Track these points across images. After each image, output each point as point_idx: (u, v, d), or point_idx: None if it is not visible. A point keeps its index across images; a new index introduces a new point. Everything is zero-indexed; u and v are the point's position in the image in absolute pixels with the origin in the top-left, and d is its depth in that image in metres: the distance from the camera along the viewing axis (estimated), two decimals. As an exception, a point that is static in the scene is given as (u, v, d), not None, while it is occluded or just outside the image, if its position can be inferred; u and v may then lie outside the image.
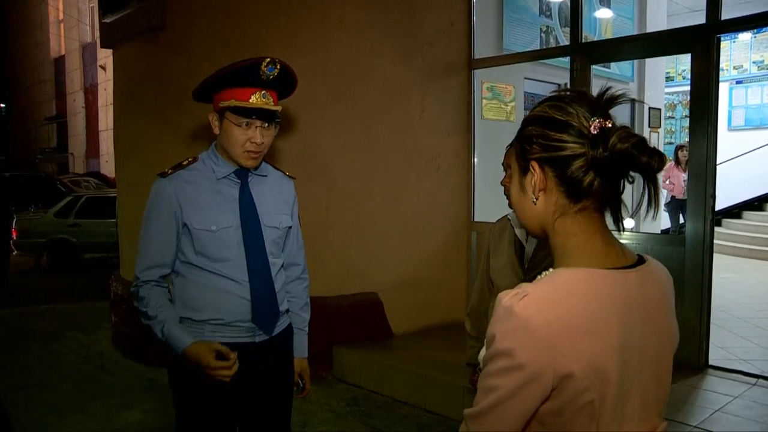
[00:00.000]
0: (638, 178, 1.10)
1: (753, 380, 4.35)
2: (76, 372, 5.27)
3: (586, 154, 1.07)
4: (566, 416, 1.06)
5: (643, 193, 1.08)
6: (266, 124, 2.13)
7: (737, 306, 6.69)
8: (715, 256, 4.62)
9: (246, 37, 4.81)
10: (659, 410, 1.18)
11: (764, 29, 11.72)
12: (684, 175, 8.82)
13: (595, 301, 1.06)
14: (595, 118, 1.07)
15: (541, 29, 7.14)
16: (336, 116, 5.02)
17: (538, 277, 1.11)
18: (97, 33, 8.09)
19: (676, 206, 10.00)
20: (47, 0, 26.93)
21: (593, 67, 5.13)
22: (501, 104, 6.37)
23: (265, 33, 4.82)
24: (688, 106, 5.06)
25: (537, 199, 1.14)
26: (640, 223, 5.33)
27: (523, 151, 1.15)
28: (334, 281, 4.98)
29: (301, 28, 4.90)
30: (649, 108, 9.15)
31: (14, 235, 10.98)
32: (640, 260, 1.16)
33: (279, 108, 2.16)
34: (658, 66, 9.64)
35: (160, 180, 2.16)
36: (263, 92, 2.11)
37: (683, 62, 12.83)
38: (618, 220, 1.13)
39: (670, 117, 14.18)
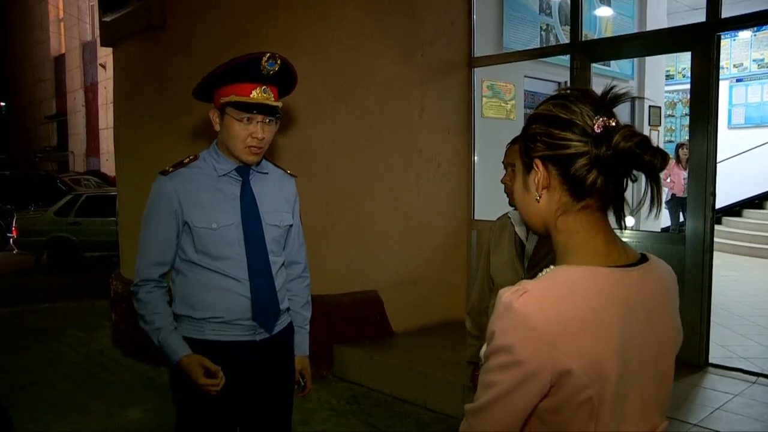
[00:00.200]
0: (640, 177, 1.11)
1: (753, 378, 4.36)
2: (77, 370, 5.27)
3: (589, 152, 1.07)
4: (565, 413, 1.06)
5: (645, 191, 1.08)
6: (267, 120, 2.13)
7: (737, 304, 6.70)
8: (715, 254, 4.63)
9: (246, 36, 4.81)
10: (661, 410, 1.18)
11: (764, 27, 11.72)
12: (684, 174, 8.81)
13: (596, 299, 1.06)
14: (598, 116, 1.07)
15: (541, 27, 7.14)
16: (336, 115, 5.02)
17: (540, 274, 1.11)
18: (97, 31, 8.10)
19: (676, 204, 10.01)
20: (47, -2, 26.95)
21: (593, 65, 5.13)
22: (501, 102, 6.37)
23: (265, 32, 4.82)
24: (688, 105, 5.05)
25: (540, 196, 1.14)
26: (641, 222, 5.34)
27: (527, 149, 1.16)
28: (334, 280, 4.98)
29: (301, 28, 4.89)
30: (650, 106, 9.15)
31: (14, 234, 11.00)
32: (643, 258, 1.16)
33: (279, 104, 2.17)
34: (658, 64, 9.63)
35: (161, 178, 2.16)
36: (264, 87, 2.11)
37: (683, 60, 12.82)
38: (620, 218, 1.14)
39: (670, 115, 14.17)
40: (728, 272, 8.48)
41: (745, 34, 12.70)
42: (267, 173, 2.29)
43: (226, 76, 2.10)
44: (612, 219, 1.15)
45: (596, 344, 1.04)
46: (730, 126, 12.92)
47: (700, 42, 4.44)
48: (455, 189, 5.80)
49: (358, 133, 5.14)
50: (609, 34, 7.96)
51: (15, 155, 30.02)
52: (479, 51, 5.89)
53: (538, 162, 1.13)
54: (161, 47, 5.24)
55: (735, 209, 11.63)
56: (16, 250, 11.29)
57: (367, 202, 5.21)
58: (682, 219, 9.60)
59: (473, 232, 5.83)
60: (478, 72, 5.93)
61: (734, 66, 13.10)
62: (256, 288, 2.17)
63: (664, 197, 10.27)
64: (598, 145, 1.06)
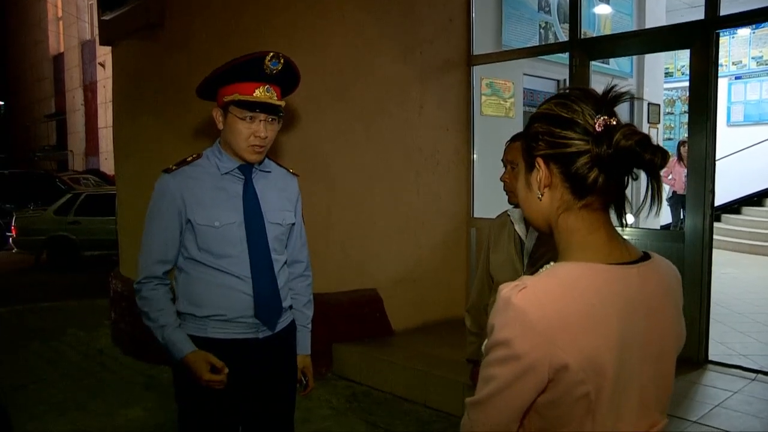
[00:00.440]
0: (641, 175, 1.11)
1: (752, 375, 4.36)
2: (76, 369, 5.27)
3: (590, 151, 1.08)
4: (562, 408, 1.08)
5: (647, 190, 1.09)
6: (270, 119, 2.14)
7: (737, 301, 6.70)
8: (715, 251, 4.63)
9: (245, 34, 4.81)
10: (661, 408, 1.19)
11: (763, 25, 11.73)
12: (686, 171, 8.83)
13: (595, 296, 1.06)
14: (600, 115, 1.08)
15: (539, 25, 7.14)
16: (335, 114, 5.02)
17: (540, 270, 1.12)
18: (96, 30, 8.09)
19: (677, 201, 10.03)
20: (46, -3, 26.92)
21: (592, 63, 5.13)
22: (500, 100, 6.37)
23: (265, 30, 4.82)
24: (687, 102, 5.05)
25: (542, 195, 1.16)
26: (640, 219, 5.34)
27: (529, 147, 1.17)
28: (333, 278, 4.98)
29: (300, 26, 4.89)
30: (648, 103, 9.15)
31: (14, 233, 11.01)
32: (645, 257, 1.17)
33: (282, 103, 2.18)
34: (657, 62, 9.63)
35: (164, 176, 2.17)
36: (267, 86, 2.12)
37: (682, 58, 12.81)
38: (621, 216, 1.15)
39: (669, 113, 14.18)
40: (728, 269, 8.49)
41: (743, 32, 12.70)
42: (270, 172, 2.30)
43: (230, 74, 2.11)
44: (613, 216, 1.16)
45: (594, 340, 1.05)
46: (729, 123, 12.93)
47: (699, 39, 4.44)
48: (454, 187, 5.80)
49: (357, 131, 5.14)
50: (608, 31, 7.96)
51: (14, 154, 30.00)
52: (478, 49, 5.89)
53: (540, 161, 1.14)
54: (160, 46, 5.24)
55: (734, 206, 11.64)
56: (15, 249, 11.29)
57: (366, 201, 5.22)
58: (683, 216, 9.61)
59: (472, 230, 5.84)
60: (477, 70, 5.93)
61: (733, 63, 13.11)
62: (258, 286, 2.18)
63: (666, 195, 10.31)
64: (599, 143, 1.07)
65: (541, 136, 1.14)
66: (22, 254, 11.37)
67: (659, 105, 9.75)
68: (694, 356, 4.48)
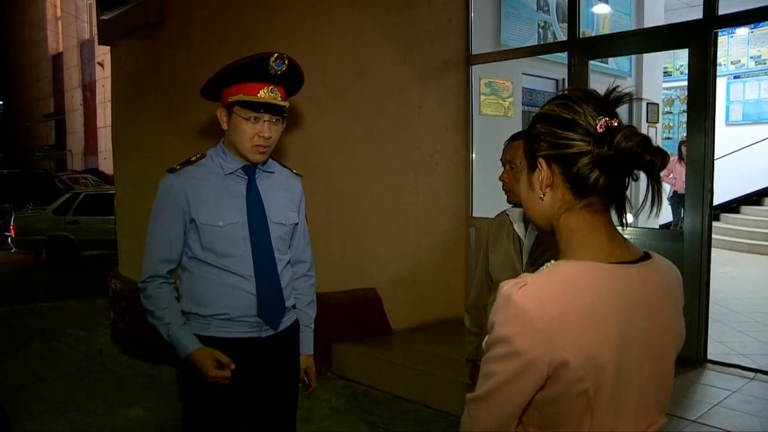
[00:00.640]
0: (642, 176, 1.12)
1: (751, 374, 4.37)
2: (76, 369, 5.27)
3: (591, 151, 1.09)
4: (561, 405, 1.09)
5: (647, 190, 1.10)
6: (274, 119, 2.16)
7: (736, 300, 6.71)
8: (714, 250, 4.63)
9: (244, 34, 4.81)
10: (660, 406, 1.20)
11: (761, 24, 11.73)
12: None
13: (595, 294, 1.07)
14: (601, 116, 1.09)
15: (538, 25, 7.14)
16: (335, 113, 5.02)
17: (540, 268, 1.13)
18: (95, 30, 8.08)
19: (678, 201, 10.05)
20: (44, -3, 26.90)
21: (591, 62, 5.14)
22: (499, 100, 6.37)
23: (264, 30, 4.82)
24: (686, 102, 5.06)
25: (544, 195, 1.17)
26: (639, 219, 5.35)
27: (531, 148, 1.18)
28: (333, 277, 4.98)
29: (300, 26, 4.89)
30: (647, 103, 9.15)
31: (13, 233, 11.00)
32: (646, 256, 1.18)
33: (287, 104, 2.20)
34: (656, 61, 9.64)
35: (169, 176, 2.19)
36: (271, 87, 2.14)
37: (681, 57, 12.82)
38: (621, 217, 1.16)
39: (668, 112, 14.18)
40: (727, 269, 8.49)
41: (742, 31, 12.71)
42: (273, 172, 2.32)
43: (234, 75, 2.12)
44: (613, 215, 1.18)
45: (593, 338, 1.06)
46: (728, 123, 12.93)
47: (698, 39, 4.44)
48: (454, 186, 5.80)
49: (357, 131, 5.14)
50: (606, 31, 7.96)
51: (13, 154, 30.00)
52: (477, 48, 5.89)
53: (542, 161, 1.16)
54: (159, 45, 5.24)
55: (733, 206, 11.65)
56: (14, 249, 11.29)
57: (366, 200, 5.22)
58: (683, 215, 9.63)
59: (472, 230, 5.84)
60: (476, 69, 5.93)
61: (732, 63, 13.11)
62: (261, 285, 2.19)
63: (667, 194, 10.35)
64: (600, 144, 1.08)
65: (543, 136, 1.15)
66: (22, 254, 11.38)
67: (658, 104, 9.76)
68: (693, 355, 4.48)
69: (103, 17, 6.00)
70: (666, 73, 12.40)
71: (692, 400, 3.97)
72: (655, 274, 1.17)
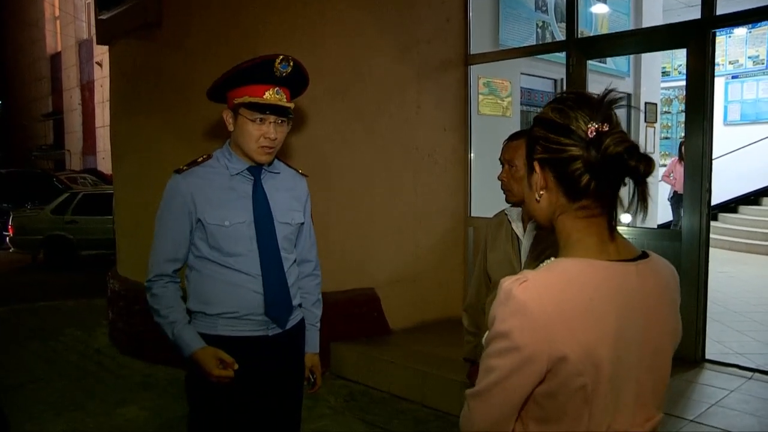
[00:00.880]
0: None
1: (749, 374, 4.38)
2: (74, 369, 5.27)
3: (582, 156, 1.11)
4: (560, 399, 1.10)
5: (633, 196, 1.13)
6: (280, 120, 2.18)
7: (734, 300, 6.72)
8: (712, 250, 4.64)
9: (243, 33, 4.81)
10: (657, 403, 1.22)
11: (759, 24, 11.74)
12: (686, 171, 8.88)
13: (594, 291, 1.10)
14: (593, 122, 1.11)
15: (537, 24, 7.14)
16: (333, 113, 5.02)
17: (540, 265, 1.16)
18: (94, 29, 8.08)
19: (678, 200, 10.08)
20: (43, -4, 26.86)
21: (589, 62, 5.14)
22: (497, 99, 6.37)
23: (263, 30, 4.82)
24: (684, 101, 5.06)
25: (540, 197, 1.20)
26: (636, 219, 5.35)
27: (529, 150, 1.22)
28: (331, 277, 4.95)
29: (298, 25, 4.89)
30: (645, 103, 9.17)
31: (11, 232, 10.99)
32: (644, 255, 1.20)
33: (292, 105, 2.22)
34: (654, 61, 9.65)
35: (175, 176, 2.20)
36: (277, 89, 2.16)
37: (679, 57, 12.83)
38: (613, 220, 1.17)
39: (666, 112, 14.19)
40: (725, 268, 8.50)
41: (740, 31, 12.71)
42: (279, 173, 2.34)
43: (240, 77, 2.15)
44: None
45: (592, 333, 1.08)
46: (726, 123, 12.94)
47: (696, 39, 4.45)
48: (452, 186, 5.80)
49: (355, 130, 5.14)
50: (605, 31, 7.97)
51: (11, 153, 29.94)
52: (475, 48, 5.89)
53: (536, 164, 1.19)
54: (158, 45, 5.23)
55: (731, 205, 11.66)
56: (12, 248, 11.27)
57: (365, 200, 5.22)
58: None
59: (470, 229, 5.84)
60: (475, 69, 5.93)
61: (730, 63, 13.12)
62: (268, 284, 2.21)
63: (668, 194, 10.38)
64: (589, 149, 1.11)
65: (538, 140, 1.18)
66: (20, 254, 11.36)
67: (656, 104, 9.77)
68: (691, 355, 4.49)
69: (101, 17, 5.99)
70: (664, 73, 12.41)
71: (690, 400, 3.97)
72: (653, 272, 1.19)
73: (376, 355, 4.83)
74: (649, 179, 1.12)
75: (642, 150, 1.11)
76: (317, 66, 4.91)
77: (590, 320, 1.08)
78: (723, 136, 10.54)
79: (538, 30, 7.16)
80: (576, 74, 5.05)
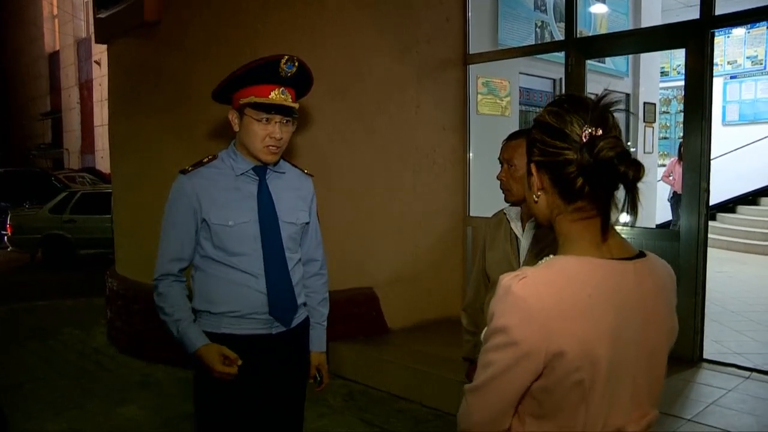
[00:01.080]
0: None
1: (747, 373, 4.38)
2: (72, 368, 5.27)
3: (575, 160, 1.14)
4: (557, 394, 1.12)
5: (624, 200, 1.15)
6: (285, 120, 2.19)
7: (732, 300, 6.73)
8: (710, 250, 4.65)
9: (242, 33, 4.80)
10: (652, 400, 1.23)
11: (758, 24, 11.74)
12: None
13: (593, 288, 1.11)
14: (587, 126, 1.14)
15: (536, 24, 7.15)
16: (332, 112, 5.02)
17: (539, 262, 1.17)
18: (92, 28, 8.07)
19: (677, 201, 10.09)
20: (41, -5, 26.82)
21: (588, 62, 5.14)
22: (496, 99, 6.37)
23: (262, 29, 4.81)
24: (683, 101, 5.07)
25: (537, 198, 1.23)
26: (631, 220, 5.36)
27: (528, 152, 1.25)
28: (331, 276, 4.91)
29: (297, 24, 4.89)
30: (644, 103, 9.17)
31: (9, 231, 10.98)
32: (641, 255, 1.22)
33: (297, 105, 2.23)
34: (653, 61, 9.65)
35: (180, 177, 2.23)
36: (282, 89, 2.18)
37: (678, 57, 12.83)
38: (606, 223, 1.19)
39: (664, 112, 14.19)
40: (723, 268, 8.51)
41: (738, 31, 12.72)
42: (284, 173, 2.35)
43: (245, 78, 2.16)
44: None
45: (589, 330, 1.09)
46: (725, 123, 12.95)
47: (694, 39, 4.45)
48: (451, 186, 5.81)
49: (354, 130, 5.14)
50: (604, 31, 7.97)
51: (10, 152, 29.88)
52: (474, 48, 5.89)
53: (532, 166, 1.22)
54: (156, 44, 5.23)
55: (729, 205, 11.67)
56: (10, 247, 11.26)
57: (364, 200, 5.22)
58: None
59: (469, 229, 5.84)
60: (474, 69, 5.94)
61: (728, 63, 13.13)
62: (272, 283, 2.23)
63: (668, 194, 10.40)
64: (582, 153, 1.13)
65: (536, 143, 1.21)
66: (18, 253, 11.35)
67: (655, 104, 9.78)
68: (689, 354, 4.49)
69: (99, 15, 5.99)
70: (663, 73, 12.41)
71: (688, 399, 3.97)
72: (650, 271, 1.21)
73: (375, 354, 4.83)
74: (642, 182, 1.14)
75: (633, 156, 1.13)
76: (317, 66, 4.87)
77: (588, 317, 1.10)
78: (721, 137, 10.56)
79: (537, 30, 7.16)
80: (575, 74, 5.05)
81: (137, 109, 5.53)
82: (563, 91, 5.69)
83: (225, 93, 2.24)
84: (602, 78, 8.10)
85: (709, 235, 4.64)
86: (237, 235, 2.19)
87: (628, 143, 8.72)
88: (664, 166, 11.38)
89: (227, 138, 2.31)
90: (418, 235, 5.56)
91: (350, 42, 5.11)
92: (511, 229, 2.32)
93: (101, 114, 21.55)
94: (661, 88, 11.81)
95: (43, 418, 4.23)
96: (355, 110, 5.14)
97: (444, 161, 5.72)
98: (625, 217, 1.22)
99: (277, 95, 2.15)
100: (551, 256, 1.20)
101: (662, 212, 10.50)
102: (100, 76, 21.11)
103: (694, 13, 4.61)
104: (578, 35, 5.28)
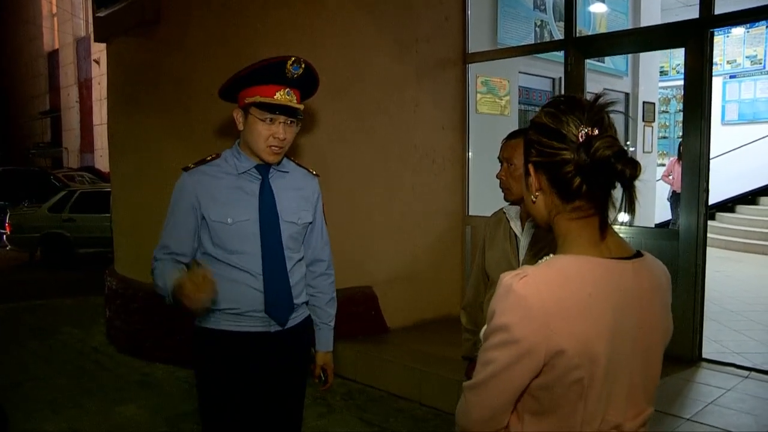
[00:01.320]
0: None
1: (746, 373, 4.39)
2: (71, 367, 5.26)
3: (572, 160, 1.15)
4: (556, 392, 1.13)
5: (622, 198, 1.16)
6: (289, 121, 2.20)
7: (730, 299, 6.73)
8: (709, 249, 4.65)
9: (242, 32, 4.79)
10: (648, 397, 1.25)
11: (757, 24, 11.76)
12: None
13: (591, 287, 1.12)
14: (583, 126, 1.15)
15: (535, 23, 7.15)
16: (333, 113, 5.02)
17: (539, 261, 1.18)
18: (91, 27, 8.05)
19: (676, 200, 10.10)
20: (40, -6, 26.80)
21: (587, 61, 5.14)
22: (495, 98, 6.37)
23: (261, 28, 4.81)
24: (682, 101, 5.07)
25: (535, 198, 1.24)
26: (634, 218, 5.36)
27: (526, 153, 1.26)
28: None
29: (296, 24, 4.88)
30: (643, 102, 9.18)
31: (8, 230, 10.97)
32: (638, 255, 1.23)
33: (302, 106, 2.24)
34: (652, 60, 9.66)
35: (183, 174, 2.24)
36: (287, 90, 2.19)
37: (677, 57, 12.83)
38: (605, 221, 1.21)
39: (664, 111, 14.21)
40: (722, 268, 8.52)
41: (738, 31, 12.73)
42: (287, 172, 2.35)
43: (252, 77, 2.17)
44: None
45: (589, 328, 1.11)
46: (724, 122, 12.96)
47: (694, 38, 4.45)
48: (450, 185, 5.81)
49: (353, 129, 5.14)
50: (603, 30, 7.97)
51: (9, 151, 29.86)
52: (474, 47, 5.89)
53: (530, 167, 1.23)
54: (155, 43, 5.22)
55: (728, 205, 11.68)
56: (9, 246, 11.26)
57: (362, 198, 5.22)
58: (681, 214, 9.69)
59: (468, 228, 5.85)
60: (473, 68, 5.94)
61: (727, 62, 13.14)
62: (269, 282, 2.23)
63: (667, 193, 10.41)
64: (579, 153, 1.14)
65: (533, 144, 1.22)
66: (16, 252, 11.35)
67: (654, 103, 9.78)
68: (687, 354, 4.50)
69: (99, 14, 5.97)
70: (662, 73, 12.42)
71: (687, 399, 3.98)
72: (647, 271, 1.23)
73: (374, 353, 4.83)
74: (639, 181, 1.15)
75: (629, 154, 1.14)
76: (316, 65, 4.86)
77: (588, 315, 1.11)
78: (721, 136, 10.57)
79: (537, 29, 7.16)
80: (574, 73, 5.05)
81: (136, 108, 5.52)
82: (563, 90, 5.69)
83: (231, 91, 2.25)
84: (602, 77, 8.11)
85: (709, 235, 4.64)
86: (236, 233, 2.19)
87: (627, 143, 8.73)
88: (663, 165, 11.39)
89: (227, 137, 2.32)
90: (418, 234, 5.56)
91: (350, 42, 5.10)
92: (510, 228, 2.32)
93: (100, 113, 21.55)
94: (661, 88, 11.82)
95: (42, 417, 4.22)
96: (355, 110, 5.14)
97: (443, 160, 5.72)
98: (623, 216, 1.23)
99: (282, 96, 2.16)
100: (551, 255, 1.21)
101: (661, 211, 10.51)
102: (99, 75, 21.12)
103: (693, 13, 4.61)
104: (578, 34, 5.28)
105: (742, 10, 4.39)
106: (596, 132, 1.14)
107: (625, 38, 5.50)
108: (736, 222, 11.18)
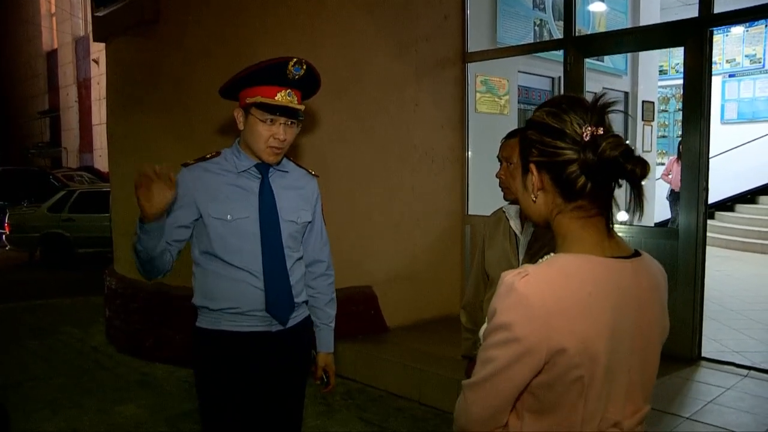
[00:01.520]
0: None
1: (745, 372, 4.39)
2: (71, 367, 5.26)
3: (577, 159, 1.15)
4: (556, 390, 1.13)
5: (630, 197, 1.16)
6: (290, 122, 2.20)
7: (730, 298, 6.74)
8: (708, 249, 4.65)
9: (241, 32, 4.79)
10: (645, 395, 1.26)
11: (756, 23, 11.76)
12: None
13: (592, 285, 1.13)
14: (587, 125, 1.15)
15: (534, 22, 7.15)
16: (333, 113, 5.02)
17: (540, 260, 1.19)
18: (90, 27, 8.04)
19: (676, 199, 10.10)
20: (39, -7, 26.77)
21: (587, 60, 5.14)
22: (495, 98, 6.38)
23: (261, 28, 4.81)
24: (682, 100, 5.07)
25: (536, 197, 1.23)
26: (634, 217, 5.36)
27: (524, 152, 1.25)
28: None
29: (297, 24, 4.88)
30: (643, 101, 9.18)
31: (7, 230, 10.97)
32: (636, 254, 1.24)
33: (302, 107, 2.24)
34: (652, 59, 9.65)
35: (182, 170, 2.24)
36: (288, 91, 2.18)
37: (676, 56, 12.84)
38: (609, 220, 1.21)
39: (663, 110, 14.21)
40: (721, 267, 8.53)
41: (737, 30, 12.73)
42: (287, 172, 2.35)
43: (253, 77, 2.17)
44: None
45: (589, 327, 1.11)
46: (723, 121, 12.97)
47: (693, 37, 4.46)
48: (449, 184, 5.81)
49: (353, 128, 5.14)
50: (602, 29, 7.97)
51: (8, 151, 29.85)
52: (473, 46, 5.89)
53: (532, 167, 1.22)
54: (155, 42, 5.22)
55: (728, 204, 11.68)
56: (9, 246, 11.25)
57: (362, 198, 5.22)
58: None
59: (467, 227, 5.85)
60: (472, 67, 5.94)
61: (727, 61, 13.14)
62: (269, 281, 2.22)
63: (666, 193, 10.41)
64: (585, 152, 1.14)
65: (534, 143, 1.21)
66: (16, 251, 11.34)
67: (653, 103, 9.79)
68: (687, 353, 4.50)
69: (98, 14, 5.97)
70: (661, 72, 12.43)
71: (686, 398, 3.98)
72: (646, 270, 1.23)
73: (374, 353, 4.83)
74: (644, 180, 1.15)
75: (636, 153, 1.14)
76: (316, 65, 4.88)
77: (588, 314, 1.11)
78: (720, 135, 10.57)
79: (536, 28, 7.16)
80: (573, 72, 5.05)
81: (136, 108, 5.52)
82: (562, 89, 5.69)
83: (232, 91, 2.25)
84: (601, 76, 8.10)
85: (708, 234, 4.65)
86: (236, 230, 2.19)
87: (627, 142, 8.71)
88: (662, 164, 11.40)
89: (227, 137, 2.32)
90: (417, 234, 5.56)
91: (349, 41, 5.10)
92: (510, 227, 2.32)
93: (99, 112, 21.54)
94: (660, 87, 11.83)
95: (42, 416, 4.22)
96: (354, 109, 5.14)
97: (442, 160, 5.73)
98: (623, 216, 1.23)
99: (283, 97, 2.16)
100: (551, 254, 1.21)
101: (661, 211, 10.52)
102: (99, 75, 21.09)
103: (692, 12, 4.62)
104: (577, 33, 5.28)
105: (741, 9, 4.40)
106: (601, 131, 1.14)
107: (624, 37, 5.50)
108: (736, 221, 11.19)
